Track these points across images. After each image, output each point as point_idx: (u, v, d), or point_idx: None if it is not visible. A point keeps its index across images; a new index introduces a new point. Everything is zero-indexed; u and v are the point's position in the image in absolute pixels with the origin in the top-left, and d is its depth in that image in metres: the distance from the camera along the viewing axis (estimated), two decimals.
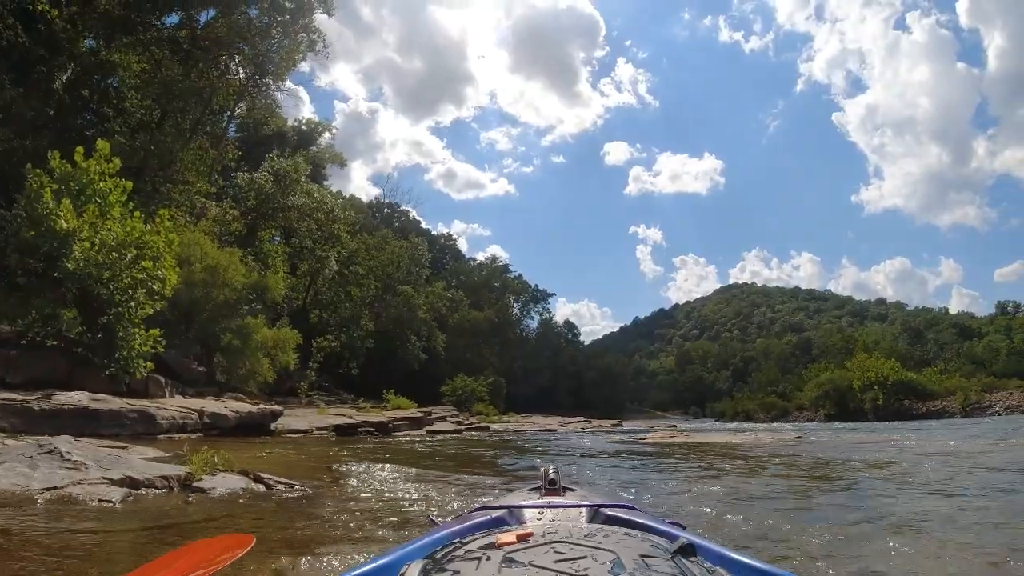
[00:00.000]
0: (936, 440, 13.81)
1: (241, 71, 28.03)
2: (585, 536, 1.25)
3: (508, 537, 1.22)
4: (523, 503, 1.87)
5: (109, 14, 22.40)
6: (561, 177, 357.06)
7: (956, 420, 32.36)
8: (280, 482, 5.85)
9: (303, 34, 27.68)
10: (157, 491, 5.23)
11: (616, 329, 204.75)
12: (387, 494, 5.80)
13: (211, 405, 13.34)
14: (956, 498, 5.52)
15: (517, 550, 1.16)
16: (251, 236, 28.69)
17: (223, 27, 25.69)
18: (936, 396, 44.87)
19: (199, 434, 11.56)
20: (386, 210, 55.42)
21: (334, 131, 48.24)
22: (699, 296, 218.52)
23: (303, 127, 44.74)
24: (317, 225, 33.04)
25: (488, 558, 1.12)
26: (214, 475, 5.80)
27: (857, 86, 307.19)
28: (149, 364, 13.21)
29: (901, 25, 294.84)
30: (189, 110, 25.74)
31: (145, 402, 11.59)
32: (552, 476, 2.29)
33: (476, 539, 1.29)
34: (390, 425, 18.38)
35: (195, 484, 5.45)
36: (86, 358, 12.53)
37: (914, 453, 10.42)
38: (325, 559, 3.26)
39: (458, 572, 1.08)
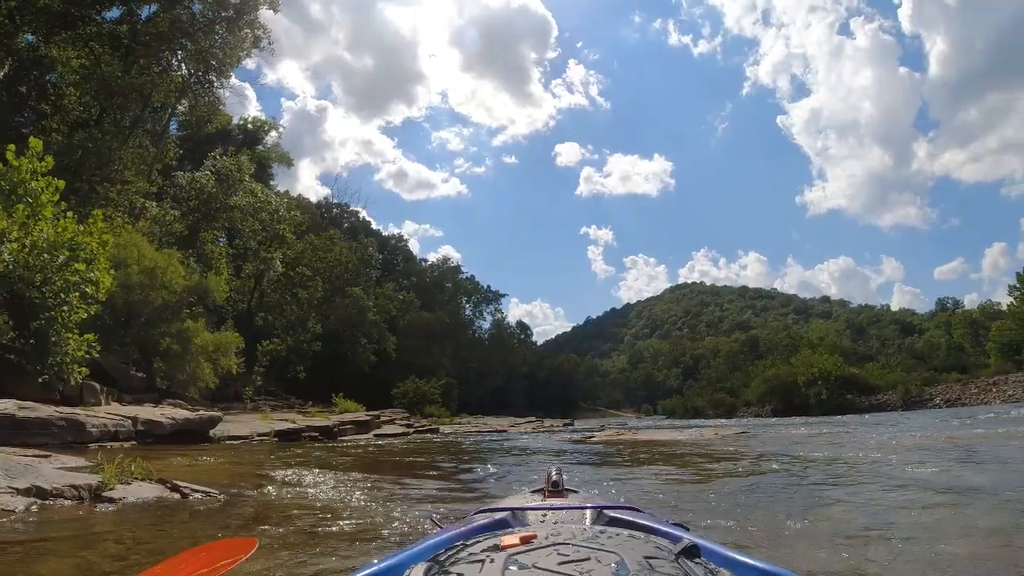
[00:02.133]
0: (871, 434, 14.27)
1: (184, 67, 27.33)
2: (589, 538, 1.24)
3: (511, 539, 1.22)
4: (526, 505, 1.87)
5: (48, 8, 21.59)
6: (513, 177, 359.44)
7: (896, 413, 33.47)
8: (198, 491, 5.71)
9: (248, 30, 27.13)
10: (67, 501, 5.05)
11: (569, 329, 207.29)
12: (308, 501, 5.72)
13: (145, 412, 12.93)
14: (866, 490, 5.70)
15: (520, 552, 1.15)
16: (193, 237, 27.94)
17: (165, 22, 24.99)
18: (878, 390, 46.47)
19: (132, 442, 11.20)
20: (335, 210, 54.69)
21: (281, 129, 47.56)
22: (650, 296, 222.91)
23: (249, 125, 43.88)
24: (262, 226, 32.34)
25: (492, 560, 1.11)
26: (128, 484, 5.64)
27: (802, 90, 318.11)
28: (84, 370, 12.73)
29: (845, 31, 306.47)
30: (129, 107, 24.95)
31: (76, 410, 11.16)
32: (555, 478, 2.28)
33: (479, 541, 1.28)
34: (336, 430, 18.10)
35: (106, 494, 5.29)
36: (18, 364, 12.01)
37: (847, 447, 10.75)
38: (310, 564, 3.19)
39: (462, 574, 1.08)
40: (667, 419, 62.55)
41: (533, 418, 43.57)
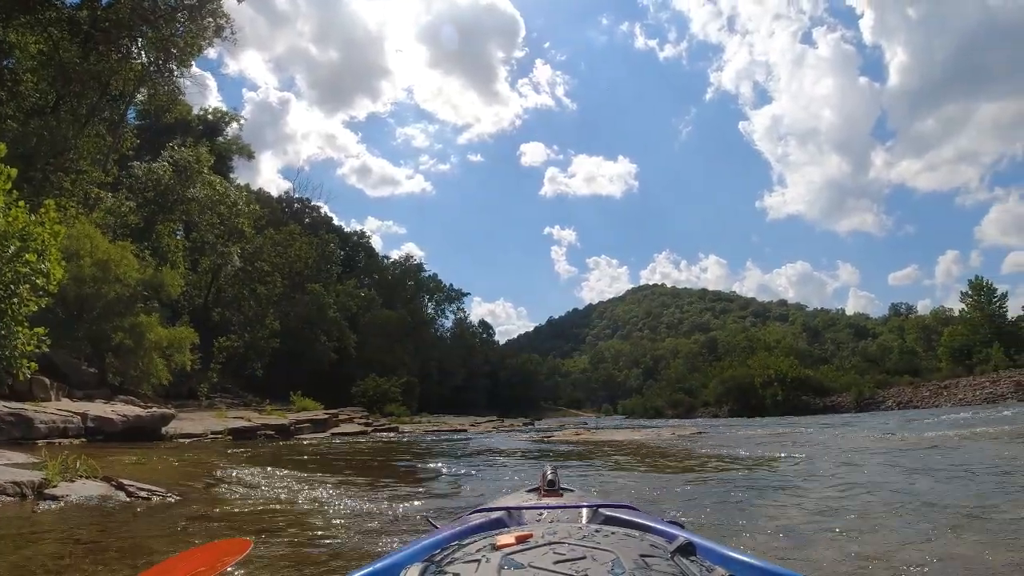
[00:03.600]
0: (823, 435, 14.62)
1: (144, 55, 26.65)
2: (584, 537, 1.23)
3: (507, 539, 1.21)
4: (522, 504, 1.86)
5: None
6: (478, 176, 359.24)
7: (849, 415, 34.30)
8: (144, 489, 5.63)
9: (210, 19, 26.62)
10: (8, 498, 4.97)
11: (531, 329, 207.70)
12: (257, 500, 5.68)
13: (96, 408, 12.63)
14: (813, 493, 5.86)
15: (516, 552, 1.14)
16: (149, 230, 27.30)
17: (126, 8, 24.35)
18: (832, 392, 47.65)
19: (83, 439, 10.94)
20: (296, 205, 53.87)
21: (242, 121, 46.72)
22: (612, 296, 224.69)
23: (209, 116, 43.07)
24: (220, 219, 31.76)
25: (487, 560, 1.10)
26: (73, 482, 5.56)
27: (764, 97, 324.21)
28: (33, 365, 12.33)
29: (808, 40, 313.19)
30: (86, 95, 24.26)
31: (24, 405, 10.87)
32: (551, 477, 2.28)
33: (475, 541, 1.28)
34: (292, 428, 17.92)
35: (49, 491, 5.21)
36: None
37: (796, 447, 11.01)
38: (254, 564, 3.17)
39: (457, 574, 1.07)
40: (627, 419, 63.18)
41: (494, 417, 43.66)
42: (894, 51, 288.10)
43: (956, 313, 57.07)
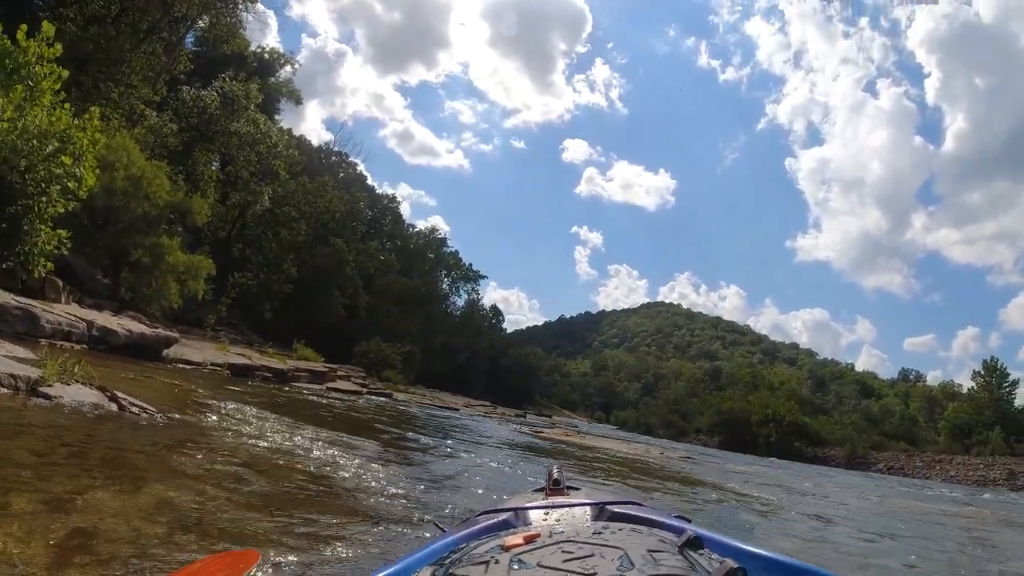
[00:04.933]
0: (812, 486, 14.50)
1: None
2: (592, 534, 1.24)
3: (515, 539, 1.22)
4: (528, 504, 1.85)
5: None
6: (517, 163, 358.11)
7: (840, 470, 34.06)
8: (136, 405, 5.67)
9: None
10: (3, 389, 5.00)
11: (541, 323, 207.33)
12: (242, 437, 5.72)
13: (103, 319, 12.77)
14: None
15: (525, 552, 1.15)
16: (186, 155, 27.47)
17: None
18: (826, 443, 47.09)
19: (84, 346, 11.07)
20: (333, 158, 53.97)
21: (296, 65, 46.61)
22: (626, 307, 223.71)
23: (264, 55, 43.07)
24: (257, 157, 31.90)
25: (496, 561, 1.11)
26: (68, 385, 5.59)
27: (815, 138, 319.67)
28: (49, 264, 12.52)
29: (871, 89, 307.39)
30: (149, 11, 24.33)
31: (34, 302, 11.01)
32: (556, 476, 2.28)
33: (484, 543, 1.28)
34: (289, 374, 18.05)
35: (43, 389, 5.24)
36: None
37: (782, 493, 10.93)
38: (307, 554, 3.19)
39: None
40: (618, 429, 63.13)
41: (488, 402, 43.76)
42: (955, 116, 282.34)
43: (964, 390, 56.22)
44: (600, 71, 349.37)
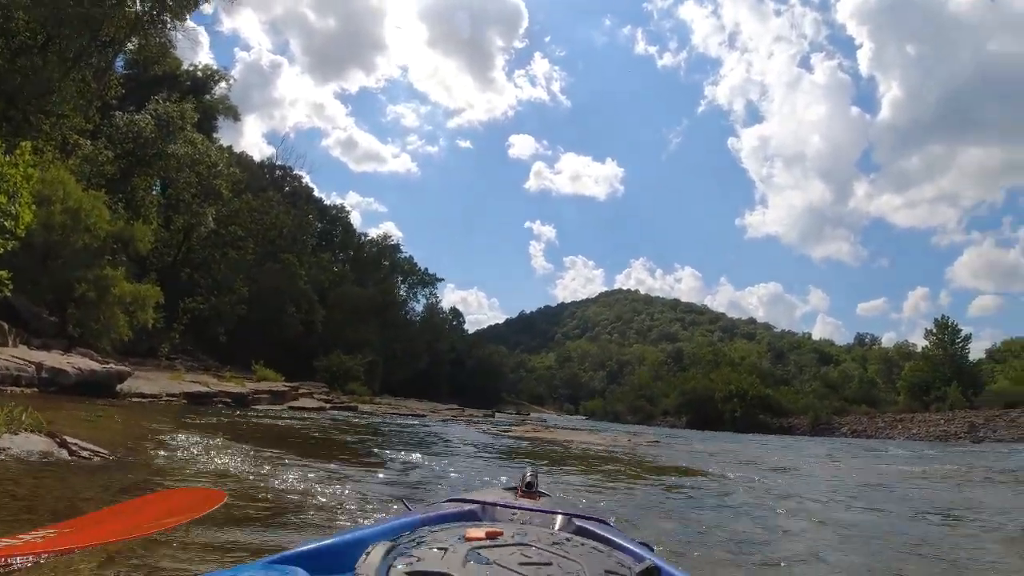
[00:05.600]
0: (773, 456, 14.88)
1: (139, 3, 26.06)
2: (554, 544, 1.23)
3: (478, 532, 1.22)
4: (497, 501, 1.86)
5: None
6: (465, 162, 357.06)
7: (805, 438, 34.88)
8: (87, 448, 5.61)
9: None
10: None
11: (502, 321, 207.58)
12: (197, 471, 5.67)
13: (52, 359, 12.45)
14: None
15: (484, 547, 1.15)
16: (124, 182, 26.80)
17: None
18: (790, 413, 48.18)
19: (35, 389, 10.80)
20: (277, 172, 53.16)
21: (231, 81, 45.69)
22: (584, 297, 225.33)
23: (198, 73, 42.12)
24: (198, 178, 31.22)
25: (454, 550, 1.11)
26: (16, 434, 5.50)
27: (755, 116, 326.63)
28: None
29: (805, 64, 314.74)
30: (76, 38, 23.64)
31: None
32: (529, 479, 2.27)
33: (445, 529, 1.29)
34: (249, 398, 17.85)
35: None
36: None
37: (745, 465, 11.23)
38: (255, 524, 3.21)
39: (422, 560, 1.07)
40: (587, 419, 63.69)
41: (455, 405, 43.72)
42: (889, 85, 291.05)
43: (919, 349, 58.10)
44: (540, 65, 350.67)
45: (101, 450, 5.73)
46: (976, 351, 54.83)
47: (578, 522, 1.66)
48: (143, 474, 5.35)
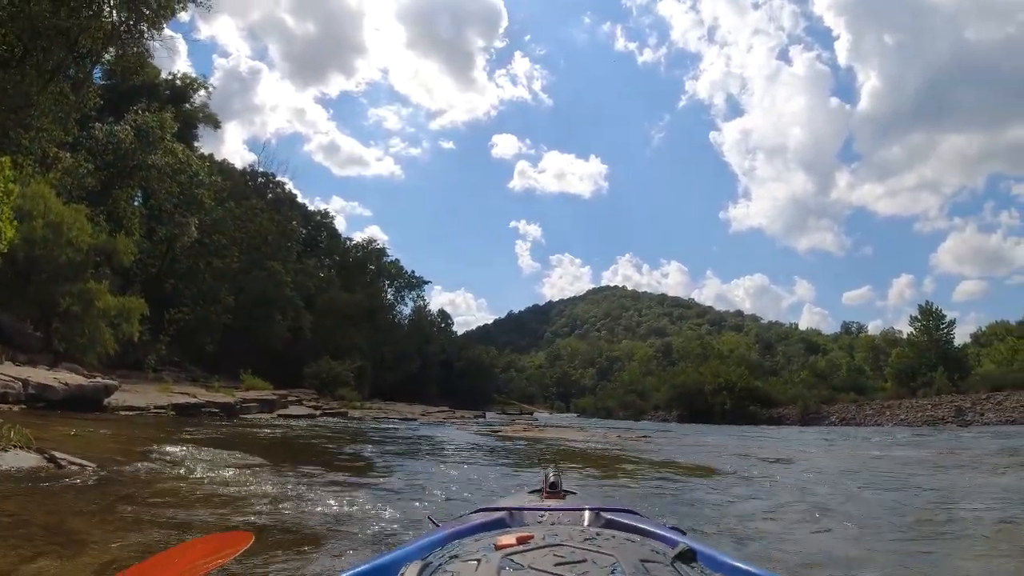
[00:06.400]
0: (763, 449, 15.03)
1: (115, 14, 25.88)
2: (585, 540, 1.22)
3: (508, 539, 1.21)
4: (524, 505, 1.86)
5: None
6: (448, 163, 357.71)
7: (796, 428, 35.15)
8: (75, 463, 5.66)
9: None
10: None
11: (490, 321, 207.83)
12: (186, 482, 5.70)
13: (38, 375, 12.43)
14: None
15: (516, 552, 1.14)
16: (105, 194, 26.63)
17: None
18: (779, 404, 48.62)
19: (23, 405, 10.77)
20: (260, 179, 52.87)
21: (211, 89, 45.47)
22: (572, 295, 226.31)
23: (177, 81, 41.89)
24: (179, 188, 31.04)
25: (487, 560, 1.10)
26: (6, 451, 5.55)
27: (736, 109, 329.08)
28: None
29: (784, 56, 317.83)
30: (54, 50, 23.46)
31: None
32: (553, 479, 2.28)
33: (475, 540, 1.28)
34: (238, 407, 17.84)
35: None
36: None
37: (737, 459, 11.35)
38: (282, 558, 3.27)
39: (457, 573, 1.07)
40: (578, 417, 63.87)
41: (446, 408, 43.88)
42: (867, 75, 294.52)
43: (905, 336, 58.65)
44: (520, 64, 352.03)
45: (90, 464, 5.77)
46: (962, 335, 55.45)
47: (607, 515, 1.68)
48: (133, 487, 5.38)
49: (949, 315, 51.10)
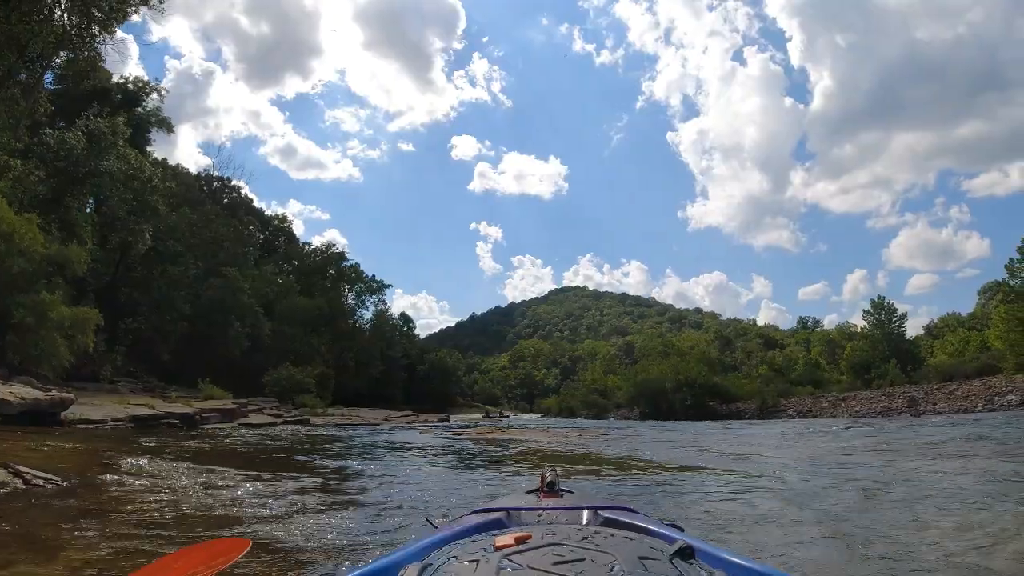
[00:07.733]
0: (717, 442, 15.45)
1: (66, 17, 25.29)
2: (583, 539, 1.23)
3: (506, 539, 1.22)
4: (521, 505, 1.88)
5: None
6: (407, 165, 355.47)
7: (752, 421, 35.90)
8: (40, 477, 5.70)
9: None
10: None
11: (453, 324, 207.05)
12: (148, 492, 5.81)
13: None
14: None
15: (515, 552, 1.15)
16: (57, 201, 26.03)
17: None
18: (738, 399, 49.37)
19: None
20: (215, 184, 52.04)
21: (164, 92, 44.61)
22: (534, 296, 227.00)
23: (128, 85, 41.00)
24: (132, 194, 30.49)
25: (486, 560, 1.10)
26: None
27: (692, 110, 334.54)
28: None
29: (738, 57, 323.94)
30: (3, 56, 22.84)
31: None
32: (550, 478, 2.28)
33: (474, 541, 1.29)
34: (197, 417, 17.69)
35: None
36: None
37: (690, 451, 11.71)
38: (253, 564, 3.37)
39: (456, 574, 1.08)
40: (542, 417, 64.20)
41: (409, 412, 43.67)
42: (820, 75, 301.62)
43: (859, 329, 60.16)
44: (479, 65, 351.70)
45: (54, 477, 5.83)
46: (915, 328, 57.24)
47: (605, 514, 1.70)
48: (97, 498, 5.47)
49: (901, 308, 53.13)
